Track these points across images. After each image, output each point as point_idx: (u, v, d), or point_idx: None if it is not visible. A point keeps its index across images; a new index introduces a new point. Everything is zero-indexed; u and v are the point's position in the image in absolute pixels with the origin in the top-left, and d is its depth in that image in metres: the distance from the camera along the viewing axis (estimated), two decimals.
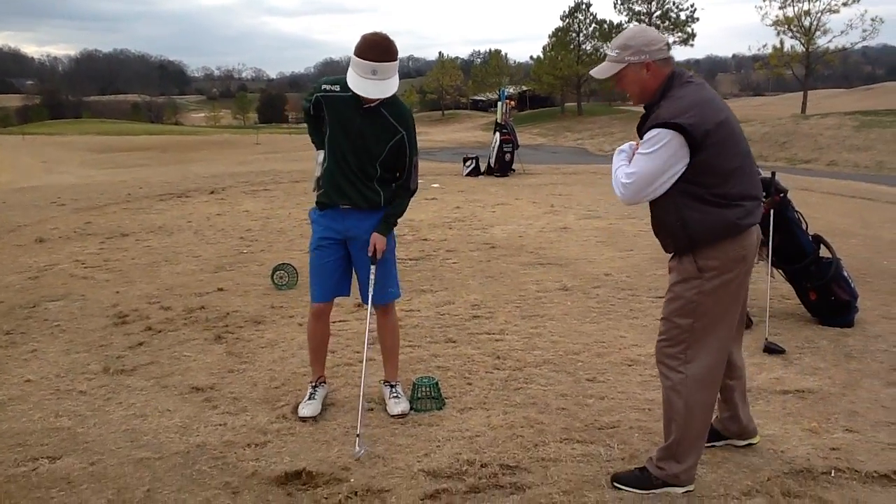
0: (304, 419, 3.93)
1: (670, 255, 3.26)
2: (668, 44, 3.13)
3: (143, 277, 7.11)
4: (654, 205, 3.14)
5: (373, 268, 3.89)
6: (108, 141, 51.75)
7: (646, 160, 2.97)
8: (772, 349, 4.96)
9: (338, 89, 3.66)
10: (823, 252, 5.63)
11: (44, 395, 4.31)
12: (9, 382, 4.49)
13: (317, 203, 3.95)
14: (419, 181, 4.10)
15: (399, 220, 4.08)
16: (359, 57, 3.45)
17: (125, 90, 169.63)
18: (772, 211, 5.37)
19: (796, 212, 5.60)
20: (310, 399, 4.05)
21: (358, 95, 3.56)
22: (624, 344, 5.17)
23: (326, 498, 3.18)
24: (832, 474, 3.38)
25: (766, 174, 5.61)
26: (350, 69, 3.52)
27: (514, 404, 4.16)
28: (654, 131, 2.95)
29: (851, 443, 3.69)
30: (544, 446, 3.66)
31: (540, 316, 5.81)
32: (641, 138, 3.05)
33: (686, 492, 3.20)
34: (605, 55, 3.20)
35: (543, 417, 3.98)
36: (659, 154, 2.94)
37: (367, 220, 3.88)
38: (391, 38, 3.51)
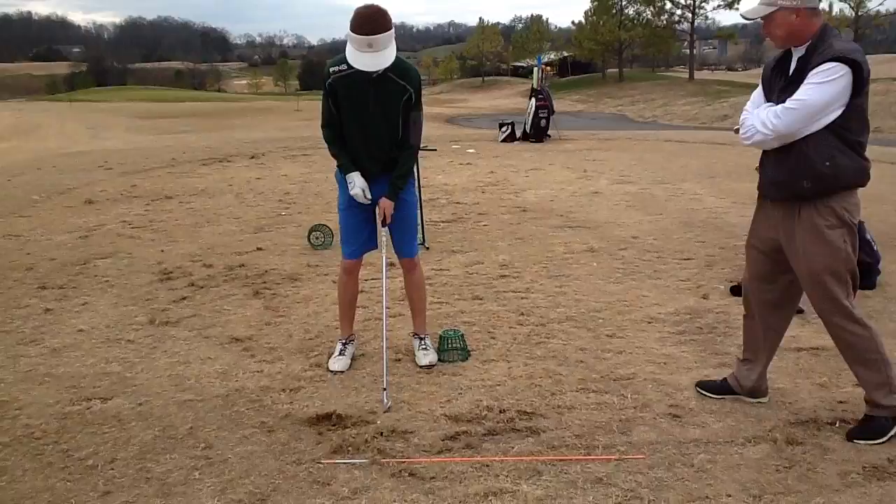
0: (333, 373, 4.17)
1: (786, 210, 3.33)
2: None
3: (186, 237, 7.44)
4: (803, 143, 3.17)
5: (384, 230, 4.07)
6: (151, 107, 52.67)
7: (818, 90, 3.05)
8: None
9: (345, 68, 3.76)
10: None
11: (95, 343, 4.63)
12: (63, 332, 4.82)
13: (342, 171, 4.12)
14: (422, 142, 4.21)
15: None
16: (354, 32, 3.57)
17: (169, 57, 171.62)
18: None
19: None
20: (340, 355, 4.28)
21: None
22: (646, 303, 5.32)
23: (354, 437, 3.42)
24: (837, 425, 3.52)
25: None
26: (348, 45, 3.64)
27: (535, 357, 4.36)
28: (830, 63, 3.03)
29: (858, 397, 3.79)
30: (561, 395, 3.85)
31: (565, 276, 5.99)
32: (799, 75, 3.15)
33: None
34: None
35: (562, 369, 4.18)
36: (832, 85, 3.04)
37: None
38: (383, 8, 3.62)
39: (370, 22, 3.57)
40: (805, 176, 3.19)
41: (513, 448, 3.33)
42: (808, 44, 3.18)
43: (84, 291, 5.67)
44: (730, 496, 2.94)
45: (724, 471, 3.12)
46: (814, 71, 3.08)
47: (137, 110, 48.87)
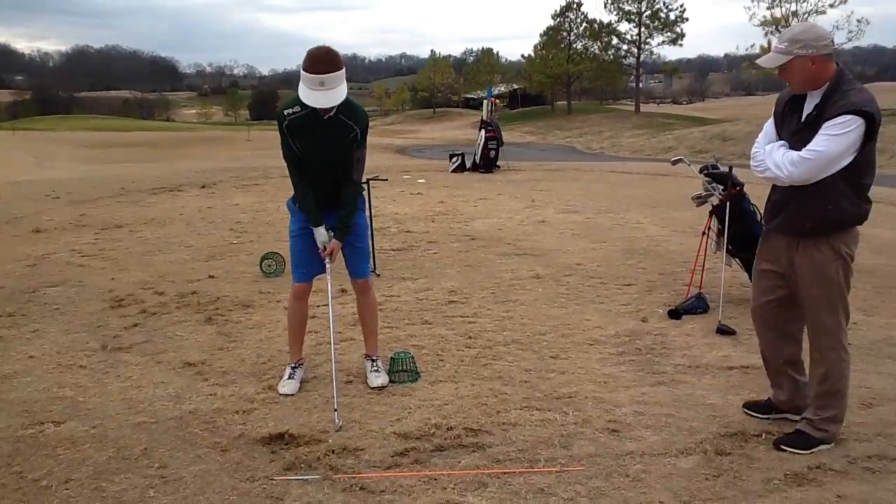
0: (283, 396, 4.26)
1: (789, 240, 3.55)
2: (832, 41, 3.41)
3: (137, 265, 7.46)
4: (812, 186, 3.34)
5: (328, 264, 4.24)
6: (99, 137, 51.85)
7: (835, 141, 3.23)
8: (723, 331, 5.35)
9: (298, 109, 3.95)
10: None
11: (46, 368, 4.66)
12: (13, 358, 4.84)
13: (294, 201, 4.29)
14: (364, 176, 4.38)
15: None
16: (307, 72, 3.76)
17: (116, 86, 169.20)
18: (728, 203, 5.77)
19: (752, 204, 5.98)
20: (289, 378, 4.39)
21: (316, 109, 3.87)
22: (588, 326, 5.54)
23: (307, 455, 3.54)
24: (762, 437, 3.76)
25: (724, 169, 6.02)
26: (301, 84, 3.82)
27: (482, 377, 4.53)
28: (846, 116, 3.21)
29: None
30: (506, 413, 4.03)
31: (512, 301, 6.19)
32: (814, 123, 3.33)
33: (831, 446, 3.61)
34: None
35: (507, 389, 4.36)
36: (847, 137, 3.22)
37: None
38: (334, 49, 3.83)
39: (321, 62, 3.76)
40: (809, 218, 3.41)
41: (459, 462, 3.49)
42: (824, 88, 3.35)
43: (34, 319, 5.67)
44: (662, 502, 3.13)
45: (657, 480, 3.32)
46: (830, 123, 3.25)
47: (83, 139, 48.07)
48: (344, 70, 3.85)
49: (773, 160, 3.44)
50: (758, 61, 3.71)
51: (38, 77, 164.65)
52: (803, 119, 3.43)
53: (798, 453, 3.55)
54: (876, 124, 3.26)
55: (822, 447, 3.59)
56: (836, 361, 3.57)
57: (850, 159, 3.28)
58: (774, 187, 3.63)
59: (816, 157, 3.27)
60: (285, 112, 3.99)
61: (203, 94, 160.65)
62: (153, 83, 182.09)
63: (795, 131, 3.45)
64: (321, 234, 4.16)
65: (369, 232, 4.83)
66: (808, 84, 3.40)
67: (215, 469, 3.42)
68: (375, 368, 4.48)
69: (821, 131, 3.28)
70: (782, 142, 3.52)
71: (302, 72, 3.80)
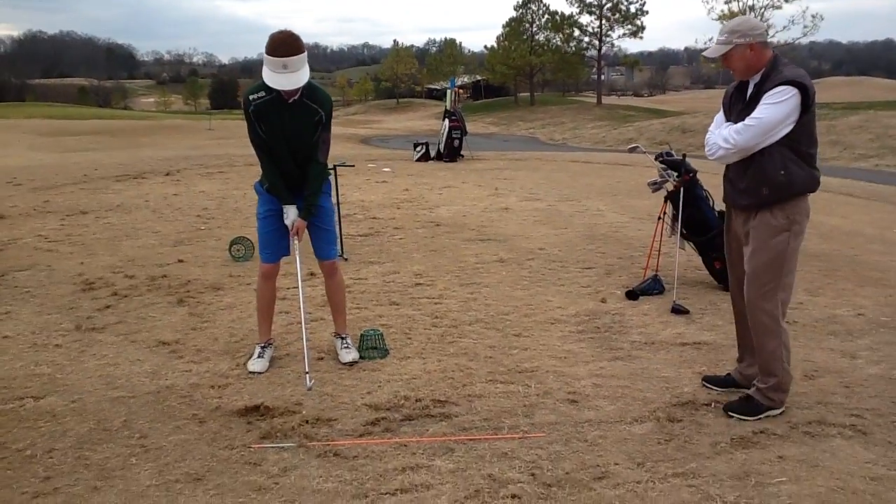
0: (252, 374, 4.41)
1: (747, 214, 3.81)
2: (766, 31, 3.77)
3: (105, 250, 7.52)
4: (760, 156, 3.64)
5: (295, 241, 4.39)
6: (55, 125, 50.80)
7: (772, 109, 3.54)
8: (678, 310, 5.62)
9: (263, 94, 4.09)
10: None
11: (22, 348, 4.75)
12: None
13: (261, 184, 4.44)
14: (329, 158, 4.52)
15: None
16: (270, 55, 3.91)
17: (71, 73, 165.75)
18: (682, 189, 6.04)
19: (704, 190, 6.26)
20: (259, 357, 4.54)
21: (280, 93, 4.03)
22: (550, 307, 5.78)
23: (282, 425, 3.71)
24: (712, 406, 4.02)
25: (677, 156, 6.29)
26: (264, 67, 3.97)
27: (448, 354, 4.74)
28: (781, 87, 3.53)
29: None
30: (471, 385, 4.24)
31: (476, 284, 6.40)
32: (755, 99, 3.63)
33: (780, 412, 3.87)
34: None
35: (472, 364, 4.57)
36: (784, 105, 3.53)
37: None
38: (296, 33, 3.96)
39: (284, 45, 3.91)
40: (764, 184, 3.68)
41: (427, 430, 3.69)
42: (762, 71, 3.69)
43: (5, 301, 5.73)
44: (617, 464, 3.37)
45: (613, 444, 3.56)
46: (768, 93, 3.58)
47: (39, 127, 47.06)
48: (306, 54, 4.01)
49: (720, 136, 3.75)
50: (704, 53, 4.05)
51: None
52: (747, 99, 3.75)
53: (745, 419, 3.81)
54: (810, 96, 3.56)
55: (771, 412, 3.85)
56: (775, 332, 3.80)
57: (789, 128, 3.57)
58: (728, 167, 3.91)
59: (757, 124, 3.58)
60: (251, 97, 4.13)
61: (161, 83, 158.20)
62: (109, 70, 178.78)
63: (740, 111, 3.76)
64: (292, 211, 4.31)
65: (336, 217, 4.98)
66: (749, 69, 3.73)
67: (194, 439, 3.58)
68: (346, 345, 4.65)
69: (760, 101, 3.61)
70: (725, 122, 3.85)
71: (265, 56, 3.94)
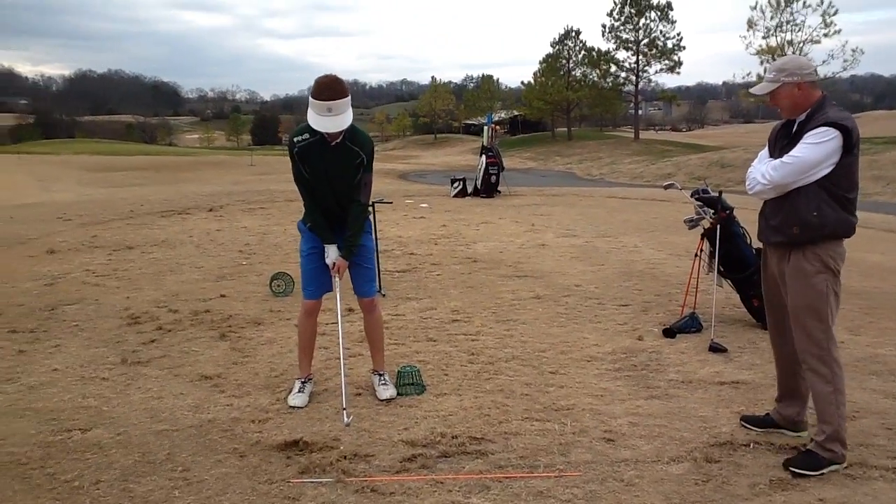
0: (292, 408, 4.48)
1: (781, 253, 3.79)
2: (815, 70, 3.76)
3: (150, 285, 7.71)
4: (796, 194, 3.62)
5: (336, 279, 4.48)
6: (102, 160, 52.34)
7: (811, 149, 3.53)
8: (716, 348, 5.58)
9: (307, 137, 4.23)
10: None
11: (70, 381, 4.90)
12: (38, 371, 5.08)
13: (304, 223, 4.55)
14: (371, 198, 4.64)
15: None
16: (315, 98, 4.05)
17: (118, 110, 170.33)
18: (718, 226, 6.03)
19: (742, 227, 6.25)
20: (299, 392, 4.62)
21: (324, 136, 4.16)
22: (586, 344, 5.78)
23: (320, 460, 3.76)
24: (750, 447, 3.99)
25: (713, 193, 6.30)
26: (309, 110, 4.10)
27: (484, 391, 4.77)
28: (823, 128, 3.52)
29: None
30: (507, 423, 4.26)
31: (513, 320, 6.44)
32: (797, 137, 3.63)
33: (843, 466, 3.70)
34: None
35: (509, 401, 4.59)
36: (824, 146, 3.51)
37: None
38: (340, 78, 4.10)
39: (329, 89, 4.04)
40: (795, 223, 3.67)
41: (464, 468, 3.72)
42: (808, 111, 3.67)
43: (55, 334, 5.92)
44: None
45: (650, 484, 3.55)
46: (809, 133, 3.57)
47: (87, 163, 48.55)
48: (350, 97, 4.14)
49: (758, 171, 3.76)
50: (751, 90, 4.08)
51: (40, 101, 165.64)
52: (790, 137, 3.73)
53: (807, 474, 3.64)
54: (853, 138, 3.52)
55: (832, 468, 3.68)
56: (827, 377, 3.70)
57: (828, 170, 3.55)
58: (765, 204, 3.90)
59: (794, 162, 3.57)
60: (295, 139, 4.27)
61: (205, 119, 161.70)
62: (155, 107, 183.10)
63: (783, 147, 3.74)
64: (333, 251, 4.42)
65: (375, 253, 5.09)
66: (796, 108, 3.72)
67: (235, 472, 3.65)
68: (383, 382, 4.71)
69: (801, 141, 3.60)
70: (768, 158, 3.82)
71: (310, 98, 4.08)
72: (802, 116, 3.70)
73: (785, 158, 3.61)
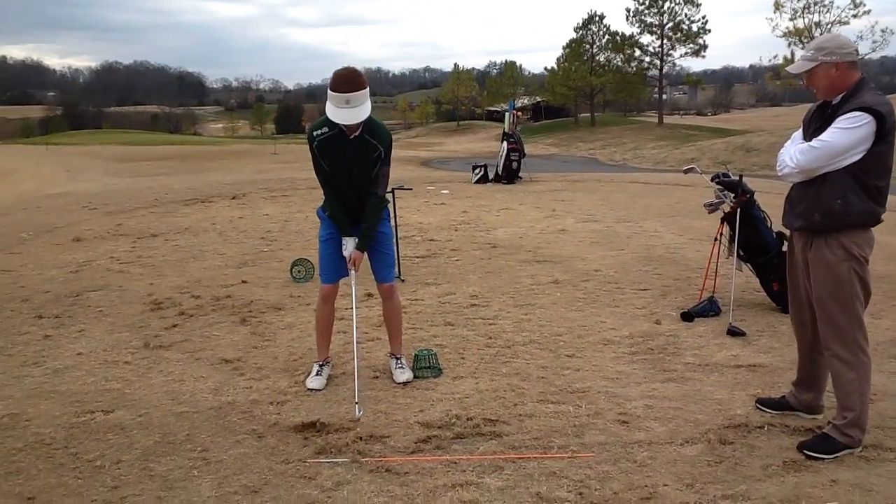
0: (310, 391, 4.56)
1: (805, 239, 3.74)
2: (856, 50, 3.64)
3: (173, 271, 7.83)
4: (822, 180, 3.53)
5: (352, 272, 4.52)
6: (129, 150, 52.91)
7: (842, 134, 3.41)
8: (734, 332, 5.56)
9: (326, 130, 4.27)
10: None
11: (94, 364, 5.01)
12: (63, 355, 5.19)
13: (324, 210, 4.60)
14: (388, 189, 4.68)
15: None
16: (333, 91, 4.08)
17: (144, 101, 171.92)
18: (739, 210, 6.00)
19: (762, 211, 6.21)
20: (317, 375, 4.68)
21: (342, 129, 4.19)
22: (603, 328, 5.79)
23: (336, 441, 3.83)
24: (765, 429, 3.98)
25: (734, 177, 6.26)
26: (328, 103, 4.13)
27: (501, 374, 4.80)
28: (856, 112, 3.39)
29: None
30: (522, 405, 4.29)
31: (531, 305, 6.46)
32: (830, 120, 3.51)
33: (859, 450, 3.68)
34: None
35: (524, 384, 4.62)
36: (855, 132, 3.40)
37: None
38: (359, 69, 4.12)
39: (347, 82, 4.07)
40: (818, 209, 3.59)
41: (478, 449, 3.76)
42: (844, 94, 3.54)
43: (80, 320, 6.03)
44: (666, 485, 3.38)
45: (662, 465, 3.57)
46: (842, 117, 3.45)
47: (114, 153, 49.09)
48: (368, 89, 4.16)
49: (787, 154, 3.66)
50: (787, 68, 3.88)
51: (68, 93, 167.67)
52: (824, 120, 3.61)
53: (821, 458, 3.63)
54: (887, 125, 3.39)
55: (846, 451, 3.66)
56: (851, 363, 3.65)
57: (858, 156, 3.44)
58: (792, 187, 3.82)
59: (823, 146, 3.46)
60: (314, 133, 4.31)
61: (229, 109, 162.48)
62: (180, 98, 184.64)
63: (816, 129, 3.63)
64: (350, 243, 4.46)
65: (394, 239, 5.13)
66: (833, 89, 3.58)
67: (253, 452, 3.72)
68: (400, 365, 4.76)
69: (832, 125, 3.49)
70: (801, 140, 3.72)
71: (329, 91, 4.11)
72: (838, 99, 3.58)
73: (813, 142, 3.52)
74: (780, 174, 3.76)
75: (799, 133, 3.82)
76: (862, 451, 3.69)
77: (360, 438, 3.86)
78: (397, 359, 4.81)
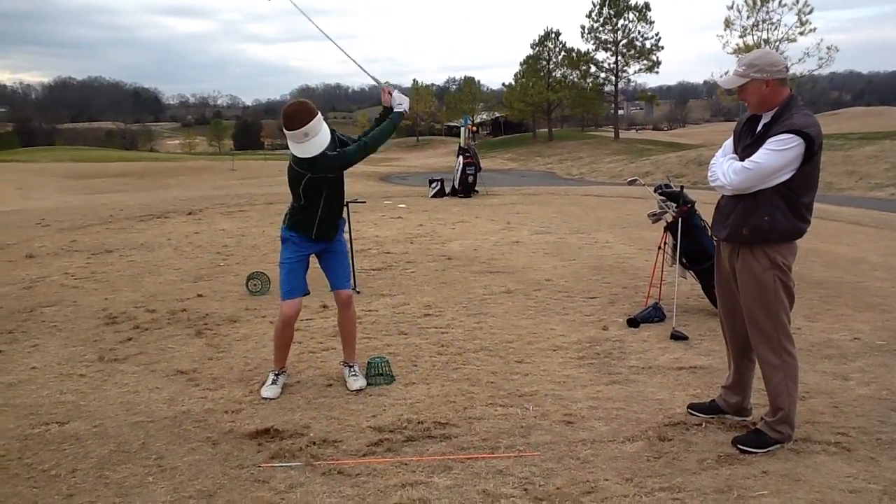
0: (265, 399, 4.63)
1: (731, 248, 3.91)
2: (786, 67, 3.78)
3: (128, 286, 7.83)
4: (750, 197, 3.70)
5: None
6: (83, 167, 52.09)
7: (773, 155, 3.56)
8: (677, 336, 5.78)
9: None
10: None
11: (48, 378, 5.03)
12: (17, 370, 5.20)
13: (291, 228, 4.67)
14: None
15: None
16: (289, 130, 4.26)
17: (99, 117, 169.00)
18: (680, 219, 6.24)
19: (702, 220, 6.46)
20: (272, 384, 4.77)
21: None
22: (552, 334, 5.97)
23: (290, 446, 3.92)
24: (703, 426, 4.18)
25: (675, 188, 6.51)
26: (289, 141, 4.31)
27: (452, 380, 4.94)
28: (787, 135, 3.53)
29: None
30: (472, 409, 4.43)
31: (483, 314, 6.62)
32: (761, 138, 3.66)
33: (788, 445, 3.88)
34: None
35: (474, 389, 4.76)
36: (786, 153, 3.54)
37: (335, 235, 4.74)
38: (304, 101, 4.30)
39: (298, 116, 4.24)
40: (746, 225, 3.77)
41: (427, 450, 3.89)
42: (775, 110, 3.69)
43: (33, 335, 6.03)
44: (607, 480, 3.54)
45: (604, 462, 3.74)
46: (773, 138, 3.57)
47: (67, 170, 48.31)
48: (319, 114, 4.32)
49: (721, 169, 3.83)
50: (719, 81, 4.06)
51: (20, 109, 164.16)
52: (755, 134, 3.79)
53: (753, 451, 3.83)
54: (815, 146, 3.56)
55: (776, 446, 3.86)
56: (777, 365, 3.86)
57: (787, 176, 3.61)
58: (721, 197, 4.00)
59: (755, 168, 3.64)
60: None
61: (186, 125, 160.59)
62: (136, 114, 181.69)
63: (746, 146, 3.80)
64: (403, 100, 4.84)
65: (350, 255, 5.22)
66: (763, 105, 3.74)
67: (207, 459, 3.80)
68: (353, 373, 4.87)
69: (763, 146, 3.65)
70: (733, 154, 3.90)
71: (285, 131, 4.26)
72: (768, 117, 3.73)
73: (746, 164, 3.67)
74: (712, 184, 3.94)
75: (729, 143, 3.99)
76: (792, 445, 3.89)
77: (314, 443, 3.97)
78: (350, 367, 4.92)
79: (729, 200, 3.90)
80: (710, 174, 3.95)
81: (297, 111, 4.26)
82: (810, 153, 3.57)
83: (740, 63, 3.78)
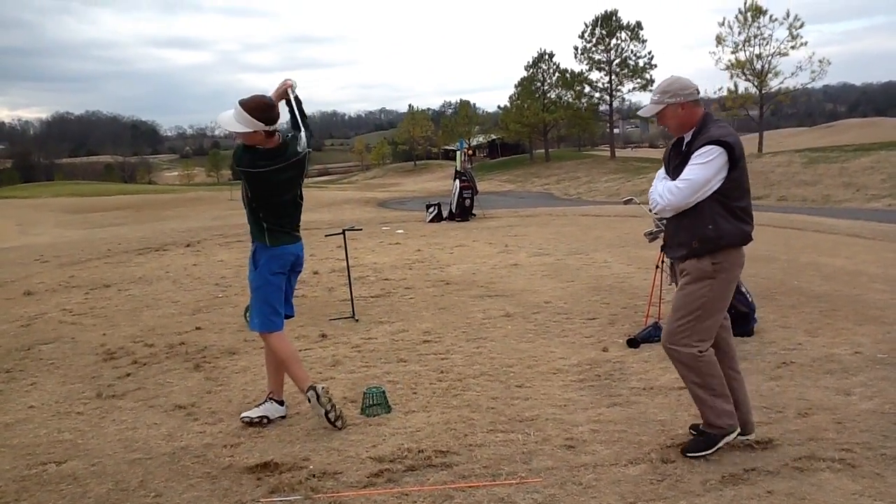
0: (250, 424, 4.63)
1: (683, 260, 4.03)
2: (697, 89, 3.98)
3: (126, 321, 7.81)
4: (693, 211, 3.86)
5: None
6: (82, 202, 52.23)
7: (700, 168, 3.76)
8: None
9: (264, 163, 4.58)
10: None
11: (46, 416, 5.00)
12: (14, 409, 5.17)
13: (275, 243, 4.61)
14: None
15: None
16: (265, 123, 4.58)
17: (97, 151, 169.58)
18: None
19: None
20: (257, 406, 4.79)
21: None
22: (552, 357, 5.94)
23: (290, 479, 3.89)
24: None
25: None
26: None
27: (452, 406, 4.91)
28: (707, 147, 3.75)
29: None
30: (473, 435, 4.40)
31: (483, 338, 6.59)
32: (686, 156, 3.86)
33: (737, 433, 4.00)
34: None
35: (475, 415, 4.73)
36: (712, 164, 3.75)
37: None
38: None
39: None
40: (694, 237, 3.90)
41: (428, 479, 3.85)
42: (694, 129, 3.93)
43: (31, 373, 6.00)
44: None
45: (607, 486, 3.70)
46: (696, 153, 3.80)
47: (66, 205, 48.43)
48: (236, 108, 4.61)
49: (657, 192, 4.00)
50: (639, 112, 4.37)
51: (19, 145, 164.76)
52: (681, 155, 3.98)
53: (703, 455, 3.94)
54: (737, 152, 3.77)
55: (727, 439, 3.97)
56: (685, 361, 3.97)
57: (719, 184, 3.79)
58: (668, 221, 4.16)
59: (687, 184, 3.80)
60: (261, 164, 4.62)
61: (185, 156, 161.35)
62: (134, 147, 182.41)
63: (676, 166, 3.99)
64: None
65: (348, 279, 5.19)
66: (682, 127, 3.99)
67: (206, 495, 3.77)
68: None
69: (689, 162, 3.84)
70: (665, 176, 4.09)
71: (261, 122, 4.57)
72: (689, 135, 3.94)
73: (678, 182, 3.83)
74: (653, 211, 4.12)
75: (662, 171, 4.19)
76: (796, 462, 3.86)
77: (314, 476, 3.93)
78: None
79: (672, 222, 4.07)
80: (650, 201, 4.12)
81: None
82: (734, 159, 3.77)
83: (655, 92, 4.07)
